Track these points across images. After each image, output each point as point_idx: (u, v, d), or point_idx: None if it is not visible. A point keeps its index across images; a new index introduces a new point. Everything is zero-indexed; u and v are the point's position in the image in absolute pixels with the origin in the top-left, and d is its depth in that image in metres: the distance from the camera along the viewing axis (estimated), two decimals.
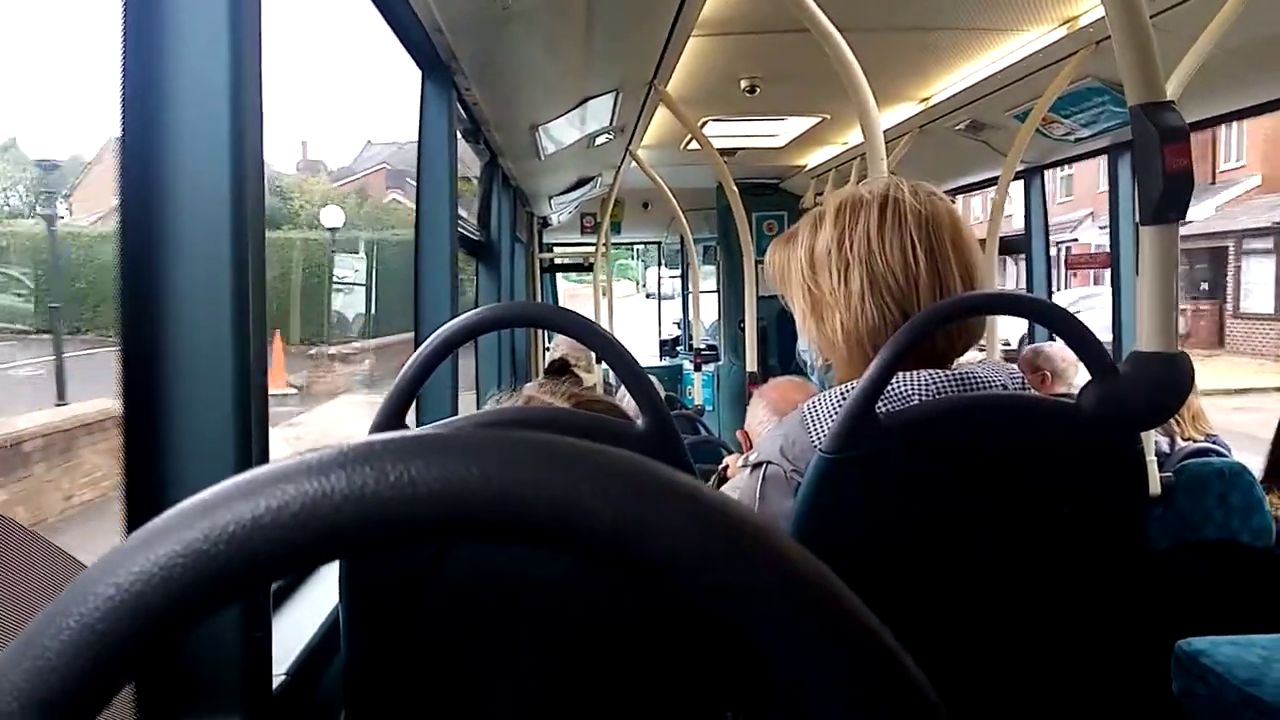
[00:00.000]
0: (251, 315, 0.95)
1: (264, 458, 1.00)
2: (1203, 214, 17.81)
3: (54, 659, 0.23)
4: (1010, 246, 4.26)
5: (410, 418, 1.10)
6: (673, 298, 10.26)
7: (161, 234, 0.92)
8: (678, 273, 9.96)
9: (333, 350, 14.90)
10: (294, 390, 13.67)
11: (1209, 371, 15.28)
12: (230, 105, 0.93)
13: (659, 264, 10.71)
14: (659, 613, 0.94)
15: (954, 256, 1.11)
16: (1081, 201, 19.96)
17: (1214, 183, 18.60)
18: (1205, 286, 18.63)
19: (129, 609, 0.23)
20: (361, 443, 0.25)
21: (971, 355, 1.19)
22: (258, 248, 0.97)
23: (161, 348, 0.92)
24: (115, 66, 0.91)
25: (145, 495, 0.92)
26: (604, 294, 6.08)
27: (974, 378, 1.09)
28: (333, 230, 17.59)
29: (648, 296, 17.80)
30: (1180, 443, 2.81)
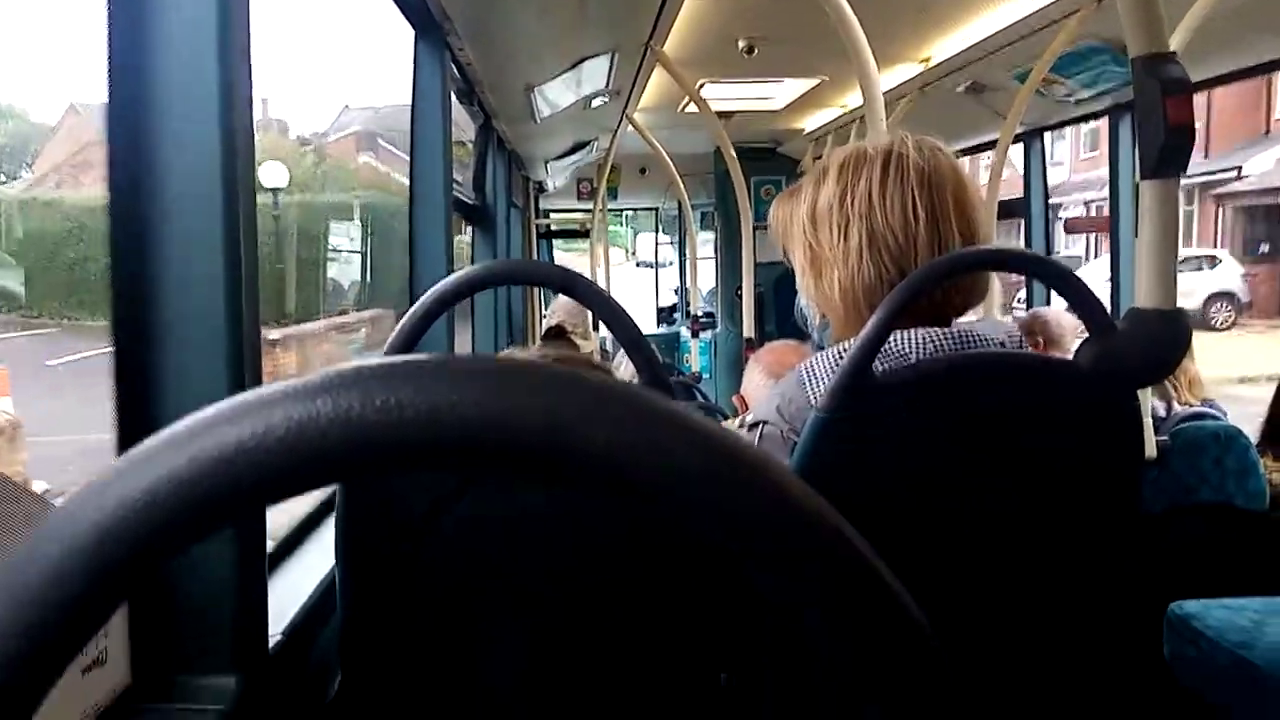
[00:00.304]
0: (245, 295, 0.94)
1: (257, 376, 1.00)
2: (1260, 167, 16.11)
3: (37, 587, 0.23)
4: (1009, 210, 4.23)
5: None
6: (666, 265, 10.08)
7: (151, 219, 0.92)
8: (669, 239, 9.88)
9: (273, 335, 11.24)
10: None
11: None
12: (220, 99, 0.92)
13: (655, 230, 10.61)
14: (657, 571, 0.95)
15: (955, 214, 1.10)
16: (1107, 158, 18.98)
17: (1269, 133, 16.74)
18: (1266, 248, 16.51)
19: (113, 536, 0.23)
20: (348, 368, 0.24)
21: (969, 317, 1.18)
22: (249, 226, 0.97)
23: (153, 330, 0.92)
24: (95, 36, 0.89)
25: (135, 417, 0.93)
26: (600, 262, 6.07)
27: (971, 335, 1.09)
28: (275, 191, 14.25)
29: (638, 265, 17.09)
30: (1176, 407, 2.81)
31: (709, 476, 0.23)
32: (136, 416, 0.93)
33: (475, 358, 0.25)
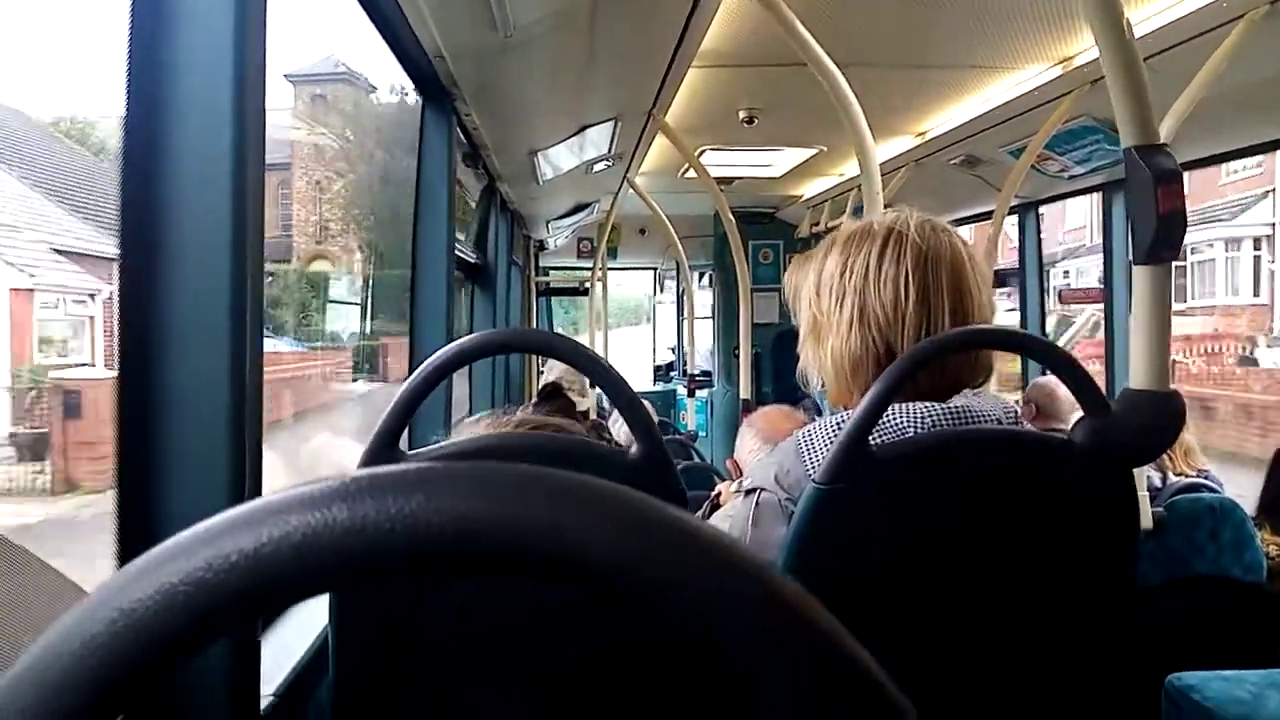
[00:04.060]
0: (249, 342, 0.95)
1: (257, 487, 1.00)
2: None
3: (54, 685, 0.23)
4: (1001, 280, 4.27)
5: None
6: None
7: (161, 260, 0.93)
8: (666, 298, 9.87)
9: None
10: None
11: None
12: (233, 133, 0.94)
13: (654, 290, 10.61)
14: (649, 647, 0.94)
15: (948, 295, 1.12)
16: None
17: None
18: None
19: (132, 635, 0.23)
20: (363, 474, 0.25)
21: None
22: (257, 270, 0.98)
23: (158, 377, 0.92)
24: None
25: (137, 524, 0.92)
26: (599, 320, 6.11)
27: (967, 411, 1.10)
28: None
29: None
30: (1172, 478, 2.81)
31: (708, 584, 0.24)
32: (137, 520, 0.92)
33: (487, 463, 0.26)
